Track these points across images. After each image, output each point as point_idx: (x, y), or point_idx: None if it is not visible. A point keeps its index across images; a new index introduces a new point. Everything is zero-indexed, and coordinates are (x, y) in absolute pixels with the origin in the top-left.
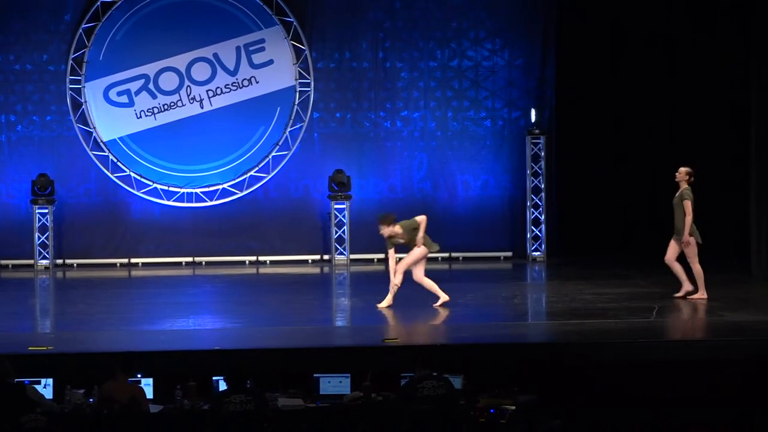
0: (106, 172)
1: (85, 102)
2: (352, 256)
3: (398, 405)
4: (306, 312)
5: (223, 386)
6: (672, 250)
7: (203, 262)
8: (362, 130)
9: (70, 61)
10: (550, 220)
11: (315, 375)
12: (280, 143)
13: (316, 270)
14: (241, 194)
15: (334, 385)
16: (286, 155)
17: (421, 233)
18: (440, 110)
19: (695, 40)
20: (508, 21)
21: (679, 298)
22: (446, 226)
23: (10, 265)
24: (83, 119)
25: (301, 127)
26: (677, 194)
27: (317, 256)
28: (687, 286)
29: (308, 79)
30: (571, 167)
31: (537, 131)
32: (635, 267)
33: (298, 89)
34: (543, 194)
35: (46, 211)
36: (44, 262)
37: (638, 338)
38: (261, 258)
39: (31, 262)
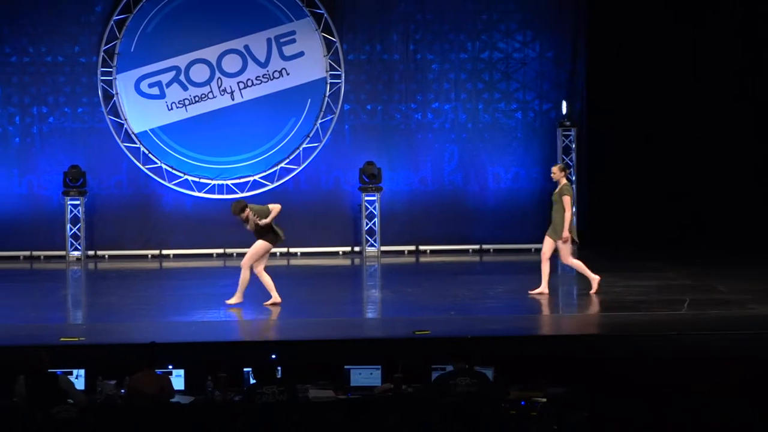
0: (138, 163)
1: (117, 94)
2: (383, 248)
3: (429, 398)
4: (337, 303)
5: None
6: (547, 246)
7: (234, 254)
8: (393, 122)
9: (102, 53)
10: (581, 213)
11: (346, 366)
12: (310, 135)
13: (347, 262)
14: (271, 186)
15: (365, 376)
16: (316, 147)
17: (268, 219)
18: (471, 102)
19: (729, 27)
20: (539, 13)
21: (535, 295)
22: (477, 218)
23: (42, 257)
24: (114, 111)
25: (332, 118)
26: (556, 190)
27: (348, 248)
28: (544, 288)
29: (339, 71)
30: (601, 159)
31: (568, 123)
32: (666, 259)
33: (329, 81)
34: (574, 186)
35: (78, 202)
36: (76, 253)
37: (668, 331)
38: (292, 250)
39: (62, 253)
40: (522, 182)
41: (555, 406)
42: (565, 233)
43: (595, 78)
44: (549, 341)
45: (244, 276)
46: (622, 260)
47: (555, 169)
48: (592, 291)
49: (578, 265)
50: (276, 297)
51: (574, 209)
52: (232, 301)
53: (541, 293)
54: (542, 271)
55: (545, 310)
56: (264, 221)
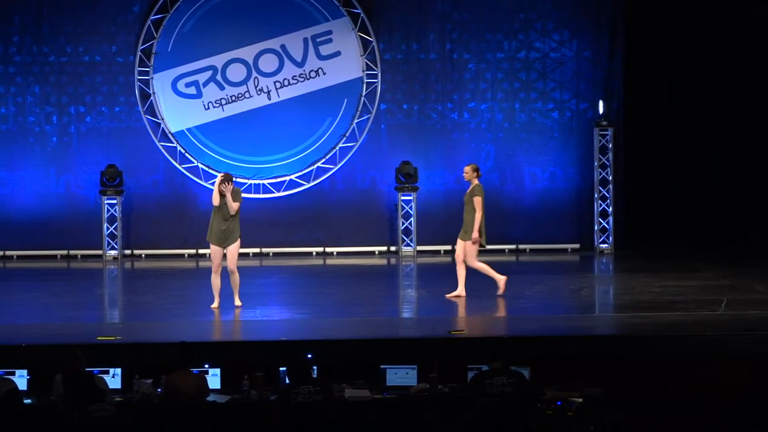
0: (174, 163)
1: (154, 93)
2: (419, 248)
3: (465, 397)
4: (373, 303)
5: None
6: (460, 248)
7: (270, 253)
8: (429, 122)
9: (139, 53)
10: (618, 212)
11: (382, 366)
12: (347, 135)
13: (383, 261)
14: (308, 185)
15: (401, 376)
16: (353, 147)
17: (236, 206)
18: (507, 102)
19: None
20: (576, 12)
21: (452, 298)
22: (513, 218)
23: (79, 256)
24: (151, 110)
25: (368, 118)
26: (468, 191)
27: (384, 248)
28: (461, 291)
29: (375, 70)
30: (638, 159)
31: (605, 123)
32: (703, 259)
33: (365, 81)
34: (611, 186)
35: (115, 201)
36: (112, 252)
37: (706, 331)
38: (328, 249)
39: (99, 252)
40: (558, 182)
41: (592, 406)
42: (475, 234)
43: (632, 77)
44: (585, 341)
45: (234, 279)
46: (659, 260)
47: (467, 168)
48: (499, 292)
49: (483, 267)
50: (215, 302)
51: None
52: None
53: (457, 296)
54: (458, 273)
55: (581, 310)
56: (235, 204)
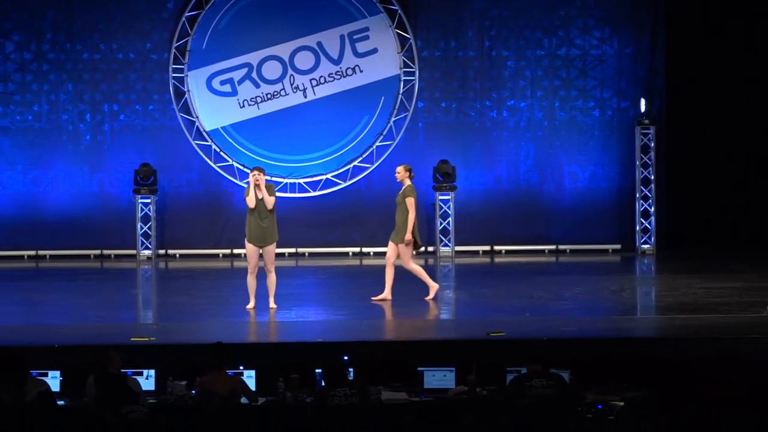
0: (209, 161)
1: (188, 91)
2: (457, 248)
3: (504, 400)
4: (410, 304)
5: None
6: (391, 251)
7: (306, 253)
8: (468, 120)
9: (173, 50)
10: (660, 213)
11: (419, 368)
12: (384, 133)
13: (420, 262)
14: (344, 185)
15: (439, 378)
16: (390, 145)
17: (272, 198)
18: (547, 100)
19: None
20: (617, 9)
21: (377, 301)
22: (553, 218)
23: (112, 255)
24: (186, 108)
25: (406, 116)
26: (400, 192)
27: (421, 248)
28: (387, 294)
29: (413, 68)
30: (681, 158)
31: (647, 121)
32: (746, 261)
33: (403, 78)
34: (652, 186)
35: (149, 200)
36: (146, 252)
37: (750, 333)
38: (364, 249)
39: (133, 252)
40: (599, 181)
41: (633, 410)
42: (408, 236)
43: (674, 75)
44: (626, 343)
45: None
46: (702, 261)
47: (400, 168)
48: (428, 297)
49: (418, 270)
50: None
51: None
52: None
53: (383, 299)
54: (386, 275)
55: (622, 311)
56: (271, 199)
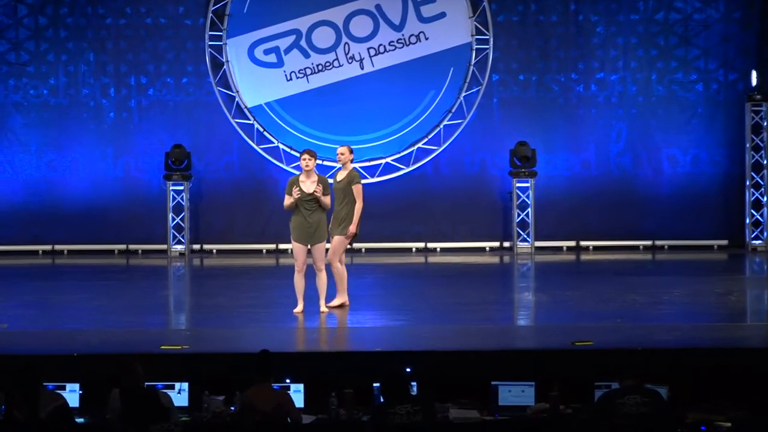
0: (251, 143)
1: (227, 61)
2: (537, 243)
3: (592, 420)
4: (482, 308)
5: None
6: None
7: (362, 249)
8: (550, 96)
9: (210, 14)
10: None
11: (493, 383)
12: (452, 110)
13: (495, 259)
14: (406, 170)
15: (516, 394)
16: (459, 124)
17: (326, 199)
18: (642, 72)
19: None
20: None
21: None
22: (649, 209)
23: (139, 251)
24: (224, 82)
25: (478, 91)
26: (343, 177)
27: (496, 243)
28: (344, 297)
29: (487, 35)
30: None
31: (758, 97)
32: None
33: (475, 47)
34: (765, 172)
35: (182, 188)
36: (179, 247)
37: None
38: (429, 245)
39: (163, 247)
40: (703, 166)
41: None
42: (353, 228)
43: None
44: (734, 355)
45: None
46: None
47: (344, 150)
48: (328, 304)
49: (341, 273)
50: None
51: None
52: (335, 303)
53: (342, 304)
54: (337, 276)
55: (729, 318)
56: (328, 200)
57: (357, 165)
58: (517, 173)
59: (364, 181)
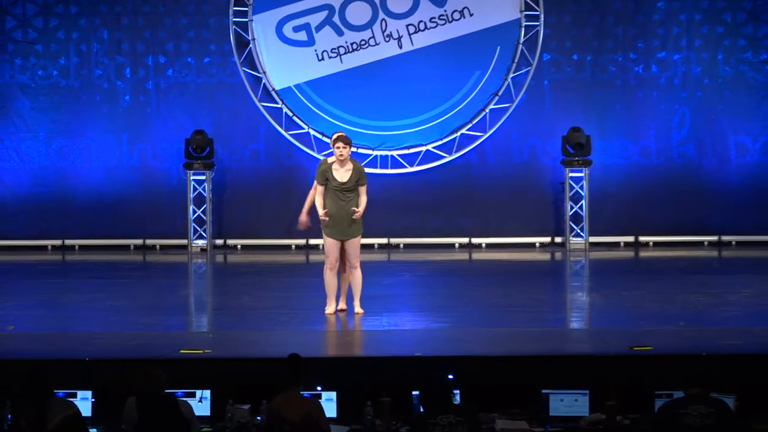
0: (279, 128)
1: (253, 39)
2: (592, 239)
3: None
4: (532, 310)
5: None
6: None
7: (401, 245)
8: (606, 77)
9: None
10: None
11: (544, 391)
12: (499, 93)
13: (546, 256)
14: (449, 158)
15: (568, 404)
16: (507, 109)
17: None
18: (708, 51)
19: None
20: None
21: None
22: (715, 201)
23: (157, 246)
24: (250, 62)
25: (528, 72)
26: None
27: (547, 239)
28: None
29: (537, 10)
30: None
31: None
32: None
33: (524, 24)
34: None
35: (204, 177)
36: (200, 242)
37: None
38: (474, 240)
39: (183, 242)
40: None
41: None
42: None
43: None
44: None
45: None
46: None
47: (342, 136)
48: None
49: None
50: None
51: None
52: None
53: (342, 309)
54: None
55: None
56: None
57: (395, 152)
58: (570, 162)
59: (400, 171)
